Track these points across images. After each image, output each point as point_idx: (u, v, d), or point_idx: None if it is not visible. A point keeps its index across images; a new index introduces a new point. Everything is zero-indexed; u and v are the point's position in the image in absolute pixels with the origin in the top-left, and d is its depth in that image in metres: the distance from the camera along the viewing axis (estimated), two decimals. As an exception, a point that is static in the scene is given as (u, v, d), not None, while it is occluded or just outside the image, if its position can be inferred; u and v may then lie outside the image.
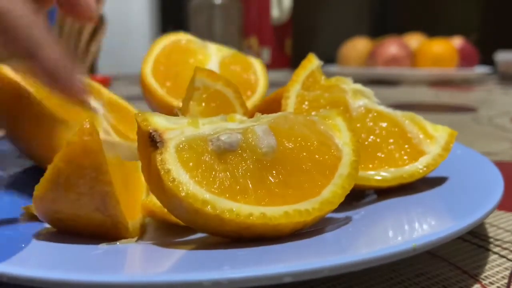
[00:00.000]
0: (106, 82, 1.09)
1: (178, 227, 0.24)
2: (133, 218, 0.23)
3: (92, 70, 1.20)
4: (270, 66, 1.47)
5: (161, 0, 2.32)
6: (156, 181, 0.20)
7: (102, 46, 1.16)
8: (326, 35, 2.03)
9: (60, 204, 0.20)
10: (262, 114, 0.24)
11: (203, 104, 0.28)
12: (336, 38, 1.64)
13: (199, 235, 0.24)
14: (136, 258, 0.20)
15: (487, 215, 0.21)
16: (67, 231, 0.22)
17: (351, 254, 0.17)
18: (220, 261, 0.17)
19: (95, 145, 0.19)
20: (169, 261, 0.19)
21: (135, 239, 0.22)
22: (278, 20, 1.44)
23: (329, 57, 1.60)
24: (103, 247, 0.20)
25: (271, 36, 1.45)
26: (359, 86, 0.30)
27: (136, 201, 0.24)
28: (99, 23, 1.15)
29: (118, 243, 0.21)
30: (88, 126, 0.19)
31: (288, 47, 1.50)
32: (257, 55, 1.47)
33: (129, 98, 0.38)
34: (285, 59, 1.47)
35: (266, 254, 0.18)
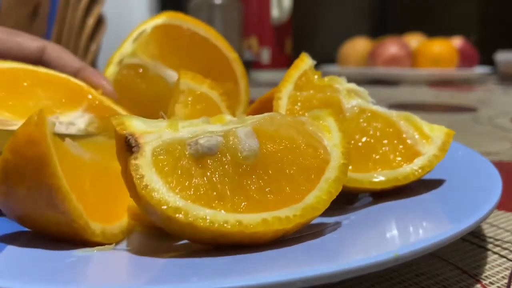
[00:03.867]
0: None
1: (164, 232, 0.23)
2: (111, 222, 0.22)
3: (92, 70, 1.20)
4: (270, 66, 1.47)
5: (161, 0, 2.32)
6: (131, 187, 0.20)
7: (102, 46, 1.16)
8: (326, 35, 2.03)
9: (13, 199, 0.20)
10: (255, 115, 0.23)
11: (189, 106, 0.27)
12: (336, 38, 1.64)
13: (185, 240, 0.23)
14: (105, 268, 0.19)
15: (483, 219, 0.21)
16: (38, 232, 0.21)
17: (327, 264, 0.17)
18: (191, 272, 0.17)
19: (39, 135, 0.19)
20: (138, 272, 0.18)
21: (113, 245, 0.21)
22: (278, 20, 1.44)
23: (329, 57, 1.60)
24: (78, 254, 0.19)
25: (271, 36, 1.45)
26: (353, 86, 0.29)
27: (120, 205, 0.24)
28: (99, 23, 1.15)
29: (95, 250, 0.20)
30: (35, 117, 0.19)
31: (288, 47, 1.50)
32: (257, 55, 1.47)
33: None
34: (285, 59, 1.47)
35: (241, 264, 0.18)
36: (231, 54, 0.38)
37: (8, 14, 0.78)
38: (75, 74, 0.35)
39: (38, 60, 0.35)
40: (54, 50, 0.35)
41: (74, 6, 0.97)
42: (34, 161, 0.19)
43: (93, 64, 1.19)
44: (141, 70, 0.37)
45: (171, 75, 0.37)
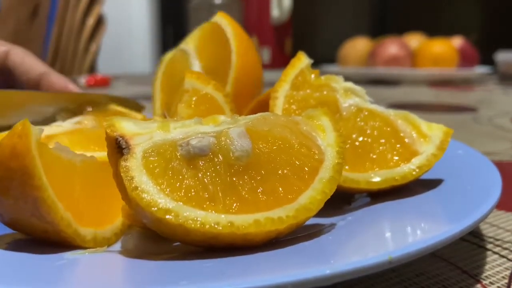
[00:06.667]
0: (106, 82, 1.09)
1: (157, 233, 0.23)
2: (104, 225, 0.22)
3: (92, 70, 1.20)
4: (270, 66, 1.47)
5: (161, 0, 2.32)
6: (122, 189, 0.19)
7: (101, 46, 1.16)
8: (326, 35, 2.03)
9: (1, 207, 0.20)
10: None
11: (192, 106, 0.27)
12: (336, 38, 1.64)
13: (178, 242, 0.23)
14: (95, 271, 0.19)
15: (481, 220, 0.20)
16: (27, 235, 0.21)
17: (319, 267, 0.16)
18: (181, 275, 0.17)
19: (23, 147, 0.19)
20: (127, 275, 0.18)
21: (105, 247, 0.21)
22: (278, 20, 1.44)
23: (329, 57, 1.60)
24: (69, 256, 0.19)
25: (271, 36, 1.45)
26: (350, 85, 0.29)
27: (114, 206, 0.23)
28: (99, 23, 1.15)
29: (86, 252, 0.20)
30: (20, 128, 0.19)
31: (288, 47, 1.50)
32: (257, 55, 1.47)
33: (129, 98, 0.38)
34: (285, 59, 1.47)
35: (232, 267, 0.17)
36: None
37: (8, 14, 0.78)
38: (39, 78, 0.34)
39: (1, 64, 0.34)
40: (17, 55, 0.35)
41: (74, 6, 0.97)
42: (19, 173, 0.19)
43: (93, 64, 1.19)
44: (182, 56, 0.38)
45: (196, 67, 0.38)
